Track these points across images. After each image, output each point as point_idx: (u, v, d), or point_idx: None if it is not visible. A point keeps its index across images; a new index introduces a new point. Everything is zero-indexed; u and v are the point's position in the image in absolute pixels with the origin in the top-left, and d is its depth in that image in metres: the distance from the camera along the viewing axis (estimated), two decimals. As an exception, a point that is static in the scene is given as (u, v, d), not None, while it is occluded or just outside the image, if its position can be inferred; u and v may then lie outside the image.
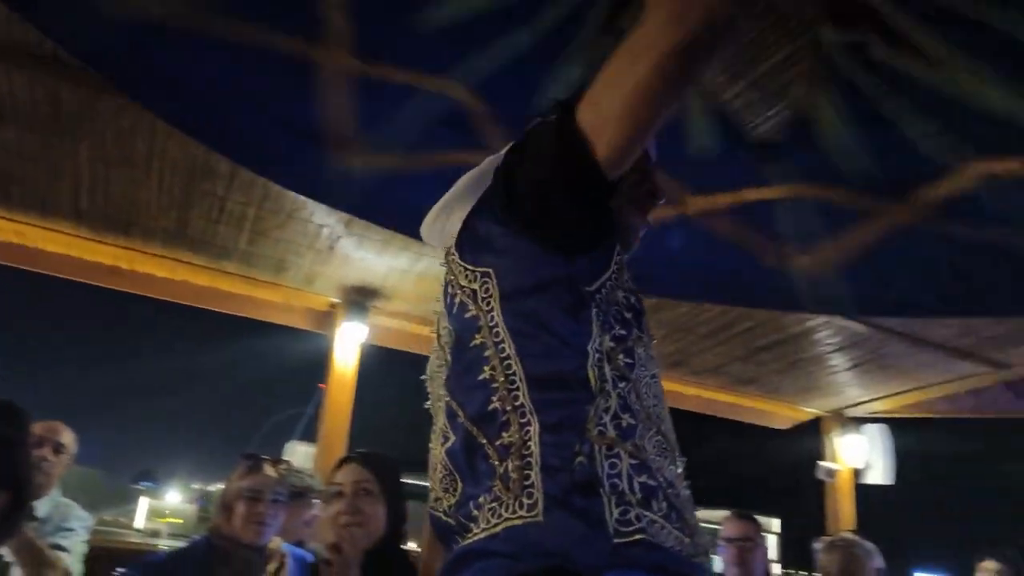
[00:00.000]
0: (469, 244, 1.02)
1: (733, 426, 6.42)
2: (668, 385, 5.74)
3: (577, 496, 0.82)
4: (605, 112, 0.89)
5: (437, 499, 0.98)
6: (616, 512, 0.82)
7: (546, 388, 0.89)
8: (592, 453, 0.85)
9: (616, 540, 0.80)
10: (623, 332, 0.96)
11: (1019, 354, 4.92)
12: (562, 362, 0.90)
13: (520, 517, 0.83)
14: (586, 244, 0.96)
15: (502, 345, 0.92)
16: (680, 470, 0.95)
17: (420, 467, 1.07)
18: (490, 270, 0.97)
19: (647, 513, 0.83)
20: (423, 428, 1.08)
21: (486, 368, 0.92)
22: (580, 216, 0.95)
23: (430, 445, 1.03)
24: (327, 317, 4.75)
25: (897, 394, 5.95)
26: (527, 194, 0.96)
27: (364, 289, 4.49)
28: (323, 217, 3.45)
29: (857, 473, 6.26)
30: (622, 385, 0.92)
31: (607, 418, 0.88)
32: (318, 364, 4.81)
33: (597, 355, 0.91)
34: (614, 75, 0.89)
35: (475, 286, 0.97)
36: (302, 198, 2.71)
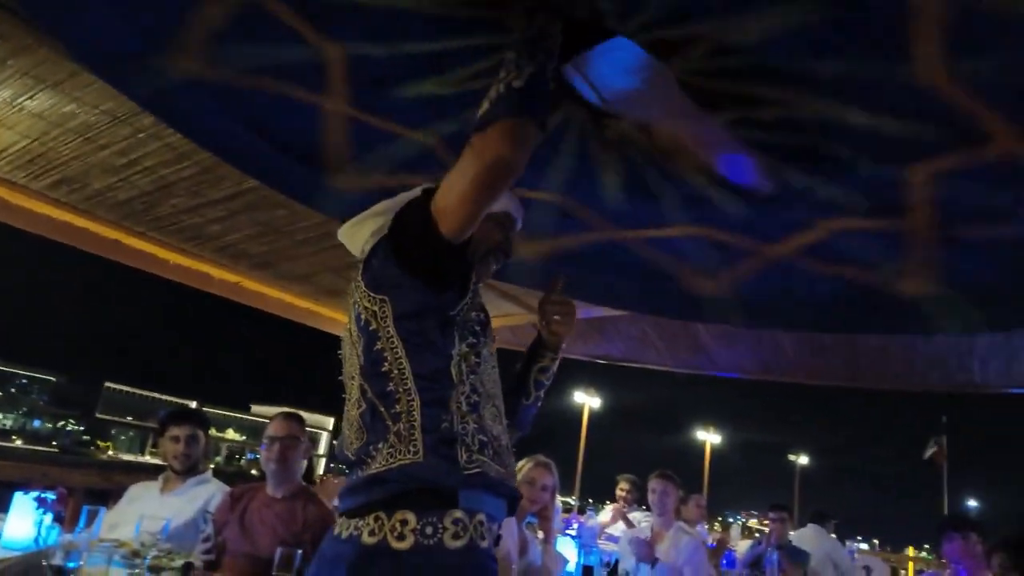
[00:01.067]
0: (369, 275, 1.49)
1: (312, 333, 6.69)
2: (253, 286, 5.71)
3: (443, 447, 1.38)
4: (446, 204, 1.41)
5: (349, 443, 1.47)
6: (464, 456, 1.40)
7: (425, 379, 1.42)
8: (452, 420, 1.41)
9: (464, 472, 1.38)
10: (474, 340, 1.52)
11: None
12: (435, 362, 1.44)
13: (408, 459, 1.36)
14: (448, 283, 1.48)
15: (396, 350, 1.43)
16: (504, 429, 1.55)
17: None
18: (386, 297, 1.46)
19: (482, 457, 1.42)
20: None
21: (385, 364, 1.43)
22: (438, 266, 1.45)
23: (345, 408, 1.52)
24: None
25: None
26: (408, 249, 1.46)
27: None
28: None
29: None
30: (472, 377, 1.49)
31: (462, 399, 1.45)
32: None
33: (457, 357, 1.47)
34: (452, 180, 1.40)
35: (375, 308, 1.46)
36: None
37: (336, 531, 1.40)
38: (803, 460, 38.18)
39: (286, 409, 2.92)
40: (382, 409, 1.42)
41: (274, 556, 2.21)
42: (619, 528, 5.23)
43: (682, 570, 3.59)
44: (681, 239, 2.21)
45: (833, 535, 5.85)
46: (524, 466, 3.03)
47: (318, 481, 5.40)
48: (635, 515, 5.50)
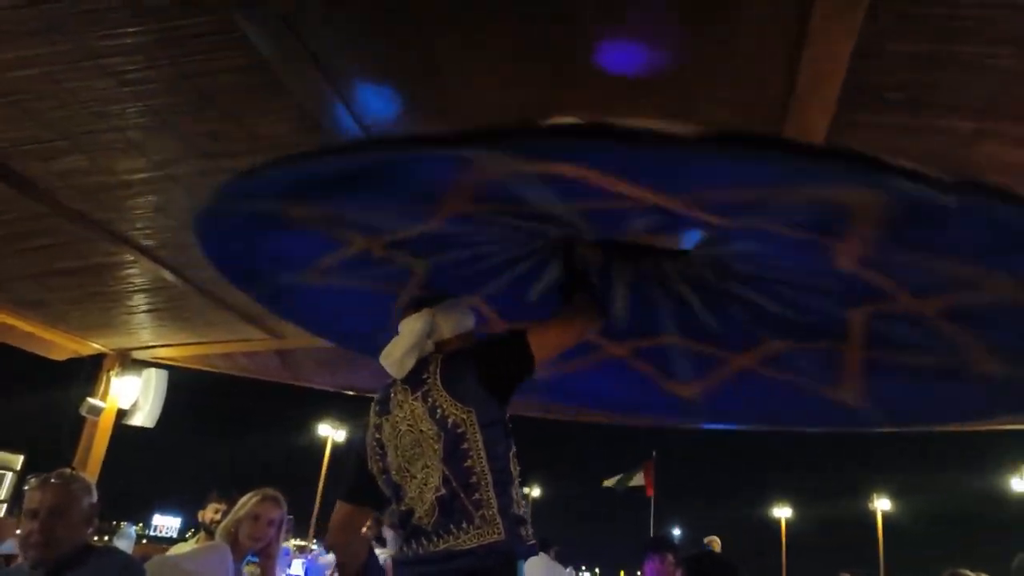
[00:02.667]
0: (455, 388, 1.89)
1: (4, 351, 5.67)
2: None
3: (516, 527, 1.81)
4: (544, 353, 2.01)
5: (420, 517, 1.84)
6: (527, 533, 1.84)
7: (498, 474, 1.83)
8: (517, 506, 1.85)
9: (527, 545, 1.83)
10: (512, 440, 1.94)
11: (291, 330, 5.77)
12: (503, 460, 1.87)
13: (494, 538, 1.76)
14: (510, 400, 1.97)
15: (480, 451, 1.83)
16: None
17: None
18: (472, 409, 1.86)
19: (529, 531, 1.85)
20: None
21: (469, 460, 1.82)
22: (513, 390, 1.97)
23: (409, 491, 1.89)
24: None
25: (185, 344, 6.24)
26: (501, 377, 1.94)
27: None
28: None
29: (121, 413, 6.27)
30: (517, 470, 1.91)
31: (519, 488, 1.90)
32: None
33: (512, 456, 1.91)
34: (551, 337, 2.04)
35: (463, 416, 1.85)
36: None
37: None
38: (535, 493, 40.32)
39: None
40: (462, 495, 1.80)
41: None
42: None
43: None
44: (664, 348, 2.62)
45: (555, 561, 6.17)
46: (250, 500, 2.77)
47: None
48: (377, 551, 5.31)
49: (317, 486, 24.36)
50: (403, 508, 1.90)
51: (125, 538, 4.58)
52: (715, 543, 6.92)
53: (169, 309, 5.37)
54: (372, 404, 2.08)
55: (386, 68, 2.62)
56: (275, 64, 2.60)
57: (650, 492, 17.92)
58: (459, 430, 1.84)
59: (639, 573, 4.02)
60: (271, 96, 2.84)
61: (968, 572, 3.78)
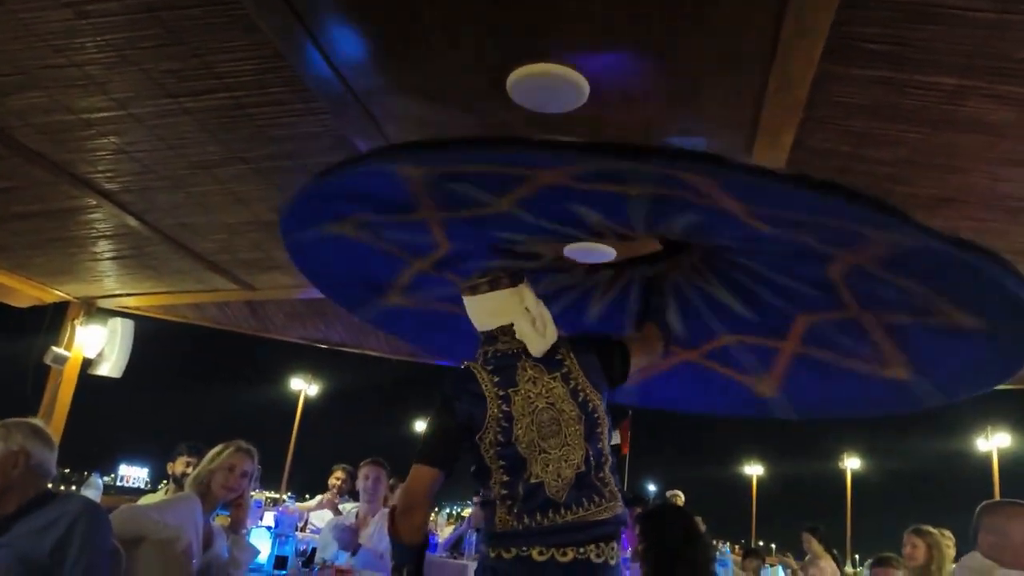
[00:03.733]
0: (591, 375, 2.14)
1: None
2: None
3: (622, 500, 2.09)
4: (637, 364, 2.34)
5: (556, 490, 1.98)
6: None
7: (611, 455, 2.12)
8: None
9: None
10: None
11: (263, 280, 5.68)
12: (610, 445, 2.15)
13: (619, 510, 2.04)
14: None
15: (606, 434, 2.11)
16: None
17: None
18: (603, 397, 2.15)
19: None
20: None
21: (601, 442, 2.08)
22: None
23: (535, 466, 2.01)
24: None
25: (152, 293, 6.12)
26: (619, 372, 2.27)
27: None
28: None
29: (87, 363, 6.16)
30: None
31: None
32: None
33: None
34: (643, 354, 2.40)
35: (598, 401, 2.11)
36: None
37: (564, 556, 1.91)
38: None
39: None
40: (593, 473, 2.02)
41: None
42: (324, 517, 5.03)
43: (384, 555, 3.52)
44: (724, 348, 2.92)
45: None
46: (224, 451, 2.74)
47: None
48: (347, 506, 5.32)
49: (288, 439, 24.41)
50: (530, 481, 1.98)
51: (93, 488, 4.52)
52: (678, 497, 7.04)
53: (135, 256, 5.23)
54: (476, 372, 2.09)
55: (360, 5, 2.51)
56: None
57: (625, 450, 18.23)
58: (596, 415, 2.09)
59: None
60: (239, 33, 2.71)
61: (931, 528, 3.89)
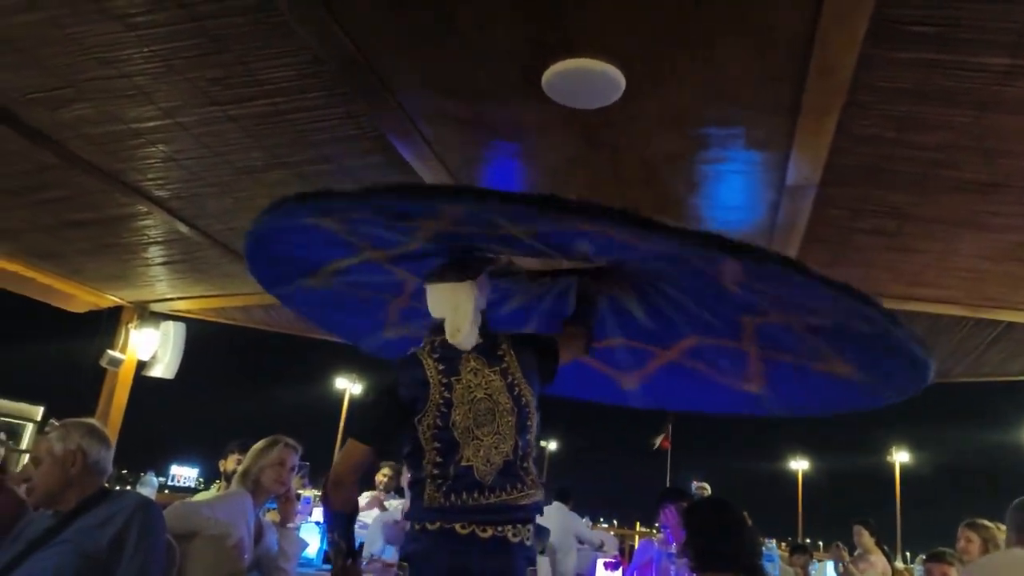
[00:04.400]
0: (528, 374, 2.31)
1: (16, 302, 5.72)
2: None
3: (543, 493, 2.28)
4: (565, 360, 2.52)
5: (485, 474, 2.14)
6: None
7: (535, 448, 2.30)
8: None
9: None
10: None
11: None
12: (537, 439, 2.35)
13: (538, 498, 2.23)
14: None
15: (535, 428, 2.29)
16: None
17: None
18: (536, 393, 2.33)
19: None
20: None
21: (529, 435, 2.26)
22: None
23: (467, 450, 2.17)
24: None
25: (202, 296, 6.28)
26: (550, 369, 2.45)
27: None
28: None
29: (141, 365, 6.35)
30: None
31: None
32: None
33: None
34: (569, 350, 2.56)
35: (531, 398, 2.28)
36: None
37: (484, 532, 2.09)
38: (552, 446, 40.88)
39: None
40: (518, 462, 2.19)
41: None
42: (372, 515, 5.10)
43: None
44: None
45: (572, 511, 6.24)
46: (273, 447, 2.81)
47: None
48: (393, 503, 5.39)
49: (334, 438, 24.78)
50: (460, 464, 2.15)
51: (147, 486, 4.68)
52: (704, 489, 6.92)
53: (185, 261, 5.38)
54: (423, 359, 2.25)
55: (400, 6, 2.54)
56: (283, 3, 2.53)
57: (666, 445, 18.05)
58: (528, 409, 2.25)
59: (656, 524, 4.06)
60: (278, 39, 2.77)
61: (986, 522, 3.77)
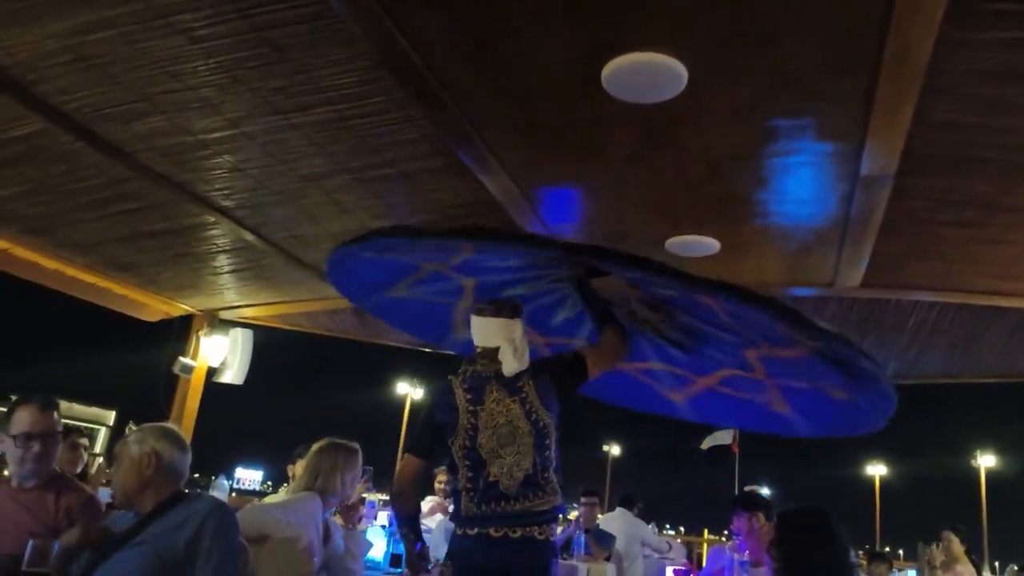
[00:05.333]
0: (545, 400, 2.61)
1: (95, 312, 5.96)
2: (25, 255, 4.94)
3: (563, 497, 2.66)
4: (594, 366, 2.79)
5: (507, 486, 2.52)
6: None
7: (557, 460, 2.64)
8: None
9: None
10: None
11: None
12: (558, 452, 2.67)
13: (558, 503, 2.60)
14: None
15: (553, 445, 2.62)
16: None
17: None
18: (554, 416, 2.63)
19: None
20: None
21: (548, 451, 2.59)
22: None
23: (493, 467, 2.55)
24: None
25: (269, 304, 6.42)
26: (569, 390, 2.73)
27: None
28: None
29: (211, 371, 6.54)
30: None
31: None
32: None
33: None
34: (600, 359, 2.84)
35: (548, 420, 2.60)
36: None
37: (515, 533, 2.49)
38: (615, 451, 40.43)
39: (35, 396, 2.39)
40: (539, 474, 2.55)
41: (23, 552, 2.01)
42: (435, 519, 5.12)
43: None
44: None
45: (638, 518, 6.12)
46: (337, 452, 2.83)
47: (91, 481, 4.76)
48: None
49: (397, 442, 25.10)
50: (488, 479, 2.53)
51: (219, 490, 4.81)
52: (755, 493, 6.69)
53: (252, 269, 5.51)
54: (455, 388, 2.64)
55: (456, 9, 2.53)
56: (342, 10, 2.55)
57: (735, 449, 17.60)
58: (545, 430, 2.58)
59: (726, 532, 3.94)
60: (339, 47, 2.80)
61: None
